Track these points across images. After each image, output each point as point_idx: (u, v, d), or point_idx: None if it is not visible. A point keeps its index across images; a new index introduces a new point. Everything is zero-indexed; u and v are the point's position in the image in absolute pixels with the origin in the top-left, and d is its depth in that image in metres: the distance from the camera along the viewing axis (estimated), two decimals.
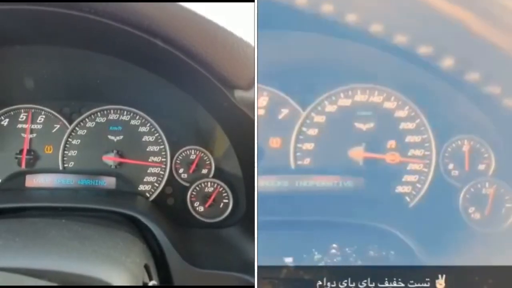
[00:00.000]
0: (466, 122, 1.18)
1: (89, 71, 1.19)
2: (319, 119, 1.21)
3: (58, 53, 1.13)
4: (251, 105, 0.97)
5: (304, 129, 1.21)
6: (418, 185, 1.20)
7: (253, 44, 0.91)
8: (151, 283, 0.85)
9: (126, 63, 1.11)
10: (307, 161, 1.21)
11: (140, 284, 0.81)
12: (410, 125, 1.21)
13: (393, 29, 0.99)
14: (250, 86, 0.96)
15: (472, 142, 1.21)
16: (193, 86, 1.11)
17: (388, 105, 1.21)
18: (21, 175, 1.23)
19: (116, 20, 0.88)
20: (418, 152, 1.21)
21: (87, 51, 1.10)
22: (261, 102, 1.21)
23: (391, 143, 1.21)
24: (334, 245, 1.03)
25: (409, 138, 1.21)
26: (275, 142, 1.21)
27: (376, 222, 1.07)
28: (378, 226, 1.07)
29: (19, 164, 1.23)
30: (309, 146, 1.21)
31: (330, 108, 1.21)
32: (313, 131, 1.21)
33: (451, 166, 1.21)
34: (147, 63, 1.09)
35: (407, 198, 1.20)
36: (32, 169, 1.24)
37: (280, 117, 1.21)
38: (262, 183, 1.19)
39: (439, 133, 1.21)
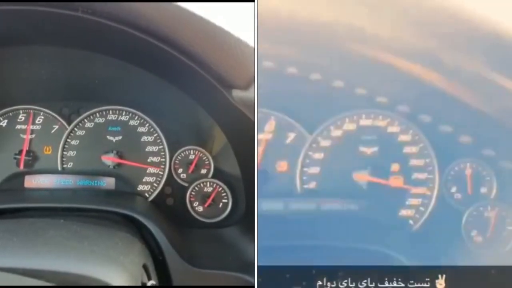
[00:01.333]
0: (468, 146, 1.19)
1: (87, 72, 1.19)
2: (325, 143, 1.23)
3: (57, 54, 1.13)
4: (250, 105, 0.97)
5: (310, 153, 1.22)
6: (422, 209, 1.21)
7: (251, 44, 0.91)
8: (150, 283, 0.85)
9: (125, 64, 1.11)
10: (313, 184, 1.22)
11: (139, 284, 0.81)
12: (413, 149, 1.22)
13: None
14: (248, 85, 0.96)
15: (474, 165, 1.21)
16: (191, 86, 1.11)
17: (392, 129, 1.23)
18: (20, 176, 1.23)
19: (114, 20, 0.89)
20: (421, 176, 1.22)
21: (86, 51, 1.10)
22: (268, 126, 1.23)
23: (395, 167, 1.22)
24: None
25: (412, 162, 1.22)
26: (281, 166, 1.23)
27: (379, 246, 1.07)
28: (381, 250, 1.07)
29: (18, 164, 1.23)
30: (315, 170, 1.22)
31: (335, 132, 1.23)
32: (319, 155, 1.23)
33: (453, 189, 1.22)
34: (146, 63, 1.09)
35: (411, 222, 1.21)
36: (31, 169, 1.24)
37: (288, 141, 1.22)
38: (266, 206, 1.20)
39: (442, 157, 1.22)
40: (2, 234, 0.81)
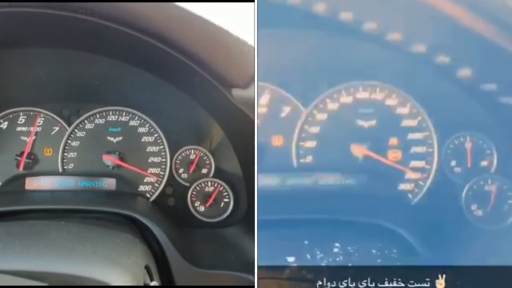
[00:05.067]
0: (468, 119, 1.18)
1: (87, 73, 1.19)
2: (321, 116, 1.21)
3: (56, 55, 1.13)
4: (250, 104, 0.97)
5: (306, 127, 1.21)
6: (421, 183, 1.20)
7: (251, 43, 0.91)
8: (152, 284, 0.85)
9: (124, 64, 1.11)
10: (309, 159, 1.21)
11: (141, 284, 0.81)
12: (412, 122, 1.21)
13: (390, 28, 0.99)
14: (248, 84, 0.96)
15: (474, 138, 1.20)
16: (191, 86, 1.11)
17: (390, 102, 1.21)
18: (21, 178, 1.23)
19: (113, 21, 0.88)
20: (420, 149, 1.21)
21: (85, 52, 1.10)
22: (262, 100, 1.21)
23: (393, 141, 1.20)
24: (337, 244, 1.02)
25: (411, 136, 1.21)
26: (277, 140, 1.21)
27: (378, 220, 1.07)
28: (380, 223, 1.07)
29: (17, 166, 1.23)
30: (311, 144, 1.21)
31: (331, 105, 1.21)
32: (315, 129, 1.21)
33: (453, 163, 1.20)
34: (145, 63, 1.09)
35: (410, 196, 1.20)
36: (32, 171, 1.24)
37: (283, 115, 1.21)
38: (264, 181, 1.19)
39: (441, 130, 1.20)
40: (4, 237, 0.81)
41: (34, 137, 1.25)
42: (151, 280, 0.87)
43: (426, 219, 1.14)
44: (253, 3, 0.90)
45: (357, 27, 1.00)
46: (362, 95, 1.21)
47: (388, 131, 1.21)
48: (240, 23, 0.91)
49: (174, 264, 0.99)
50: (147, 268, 0.87)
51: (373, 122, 1.20)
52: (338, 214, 1.08)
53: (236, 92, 0.98)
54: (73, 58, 1.12)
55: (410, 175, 1.20)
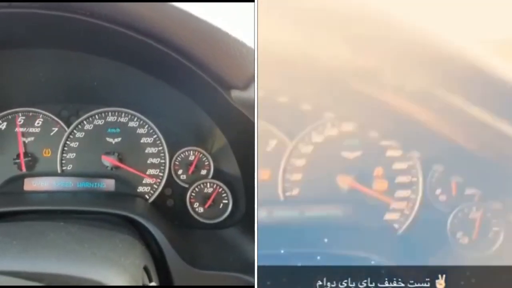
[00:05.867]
0: (449, 149, 1.18)
1: (86, 74, 1.19)
2: (306, 149, 1.21)
3: (55, 56, 1.13)
4: (248, 105, 0.97)
5: (292, 159, 1.20)
6: (406, 212, 1.20)
7: (250, 44, 0.91)
8: (150, 285, 0.85)
9: (123, 65, 1.11)
10: (295, 191, 1.21)
11: (140, 285, 0.81)
12: (396, 152, 1.20)
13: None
14: (247, 86, 0.96)
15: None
16: (190, 87, 1.11)
17: (374, 133, 1.21)
18: (20, 179, 1.23)
19: (112, 22, 0.88)
20: (405, 179, 1.20)
21: (84, 53, 1.10)
22: None
23: (378, 171, 1.21)
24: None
25: (396, 165, 1.20)
26: (263, 174, 1.21)
27: (364, 252, 1.06)
28: (366, 256, 1.06)
29: (19, 168, 1.22)
30: (297, 176, 1.21)
31: (317, 138, 1.21)
32: (300, 162, 1.21)
33: (438, 191, 1.20)
34: (144, 64, 1.09)
35: (396, 225, 1.20)
36: (31, 172, 1.24)
37: (269, 149, 1.21)
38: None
39: (425, 159, 1.20)
40: (2, 238, 0.81)
41: (31, 138, 1.24)
42: (150, 281, 0.87)
43: (412, 248, 1.14)
44: (253, 3, 0.90)
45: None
46: (347, 127, 1.21)
47: (373, 162, 1.20)
48: (240, 23, 0.92)
49: (172, 265, 0.98)
50: (145, 269, 0.86)
51: (358, 153, 1.21)
52: (324, 247, 1.06)
53: (235, 94, 0.98)
54: (72, 59, 1.12)
55: (395, 204, 1.20)
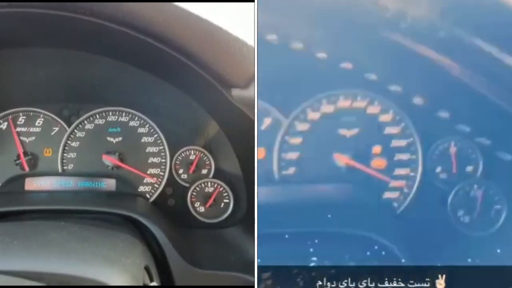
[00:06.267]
0: (451, 124, 1.16)
1: (87, 73, 1.19)
2: (302, 127, 1.19)
3: (56, 55, 1.13)
4: (249, 104, 0.97)
5: (287, 138, 1.18)
6: (406, 190, 1.18)
7: (249, 43, 0.91)
8: (151, 284, 0.85)
9: (124, 64, 1.11)
10: (291, 170, 1.18)
11: (141, 285, 0.81)
12: (395, 130, 1.18)
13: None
14: (247, 84, 0.96)
15: (459, 143, 1.17)
16: (191, 86, 1.11)
17: (372, 110, 1.19)
18: (21, 178, 1.23)
19: (112, 21, 0.88)
20: (404, 157, 1.18)
21: (85, 52, 1.10)
22: None
23: (377, 149, 1.18)
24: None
25: (394, 143, 1.18)
26: (259, 153, 1.18)
27: (364, 230, 1.03)
28: (365, 234, 1.04)
29: (22, 168, 1.22)
30: (293, 155, 1.18)
31: (312, 115, 1.18)
32: (296, 140, 1.19)
33: (438, 169, 1.18)
34: (145, 63, 1.09)
35: (395, 204, 1.18)
36: (32, 172, 1.24)
37: (263, 127, 1.19)
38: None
39: (425, 136, 1.18)
40: (3, 237, 0.81)
41: (32, 137, 1.24)
42: (151, 280, 0.87)
43: (411, 227, 1.12)
44: (253, 3, 0.90)
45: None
46: (343, 103, 1.18)
47: (371, 139, 1.18)
48: (240, 23, 0.91)
49: (173, 265, 0.98)
50: (146, 268, 0.86)
51: (355, 131, 1.18)
52: (322, 226, 1.04)
53: (236, 92, 0.97)
54: (73, 58, 1.12)
55: (394, 183, 1.18)
